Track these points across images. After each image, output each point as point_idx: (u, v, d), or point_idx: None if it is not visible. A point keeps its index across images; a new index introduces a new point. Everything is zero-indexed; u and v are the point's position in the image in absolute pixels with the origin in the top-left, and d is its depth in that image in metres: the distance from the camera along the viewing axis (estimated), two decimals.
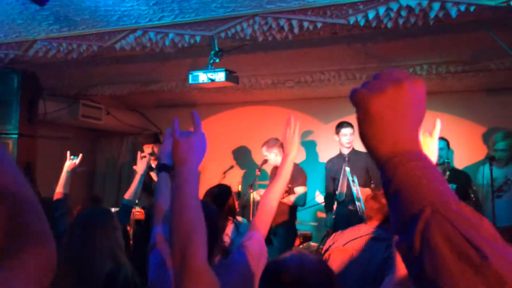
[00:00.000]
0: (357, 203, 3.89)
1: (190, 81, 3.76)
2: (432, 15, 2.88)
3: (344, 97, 5.70)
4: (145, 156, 3.30)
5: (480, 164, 4.52)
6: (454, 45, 3.99)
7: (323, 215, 5.65)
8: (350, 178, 4.08)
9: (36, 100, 4.72)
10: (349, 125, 4.53)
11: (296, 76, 4.97)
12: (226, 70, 3.63)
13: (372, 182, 4.43)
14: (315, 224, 5.47)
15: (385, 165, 0.64)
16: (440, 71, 4.40)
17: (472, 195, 3.94)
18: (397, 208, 0.62)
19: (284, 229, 4.48)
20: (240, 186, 5.30)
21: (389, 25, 3.05)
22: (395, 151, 0.63)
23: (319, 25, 3.18)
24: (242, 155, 6.36)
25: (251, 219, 4.71)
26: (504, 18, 3.08)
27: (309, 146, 6.17)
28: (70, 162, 3.22)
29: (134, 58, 4.44)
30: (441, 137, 4.35)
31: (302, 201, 4.61)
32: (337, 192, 4.41)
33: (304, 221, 5.21)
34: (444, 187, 0.61)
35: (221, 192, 2.92)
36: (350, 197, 4.18)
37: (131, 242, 3.20)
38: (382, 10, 2.93)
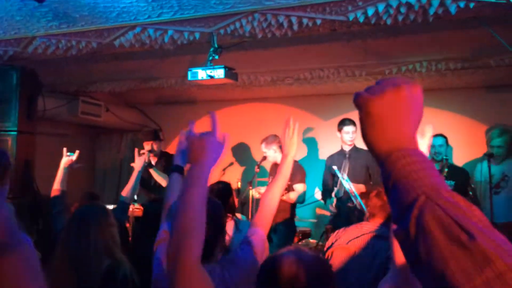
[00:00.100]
0: (354, 200, 3.91)
1: (189, 78, 3.76)
2: (431, 11, 2.88)
3: (343, 94, 5.75)
4: (143, 153, 3.30)
5: (478, 162, 4.52)
6: (454, 42, 3.99)
7: (322, 212, 5.65)
8: (340, 176, 4.10)
9: (35, 97, 4.71)
10: (352, 122, 4.48)
11: (296, 73, 4.96)
12: (225, 67, 3.63)
13: (370, 179, 4.44)
14: (314, 221, 5.48)
15: (385, 161, 0.70)
16: (439, 68, 4.39)
17: (470, 193, 3.95)
18: (395, 200, 0.67)
19: (284, 226, 4.49)
20: (239, 183, 5.30)
21: (389, 21, 3.05)
22: (394, 148, 0.69)
23: (318, 21, 3.18)
24: (241, 152, 6.36)
25: (250, 216, 4.73)
26: (503, 15, 3.08)
27: (309, 143, 6.17)
28: (67, 158, 3.21)
29: (133, 55, 4.43)
30: (440, 134, 4.35)
31: (301, 198, 4.62)
32: (336, 189, 4.42)
33: (303, 218, 5.21)
34: (438, 179, 0.66)
35: (222, 189, 2.92)
36: (349, 194, 4.19)
37: (130, 238, 3.20)
38: (381, 6, 2.93)
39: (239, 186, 5.30)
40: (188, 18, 3.34)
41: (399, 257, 1.20)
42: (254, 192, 4.66)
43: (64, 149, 3.28)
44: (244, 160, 6.29)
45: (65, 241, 2.04)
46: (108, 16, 3.43)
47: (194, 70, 3.73)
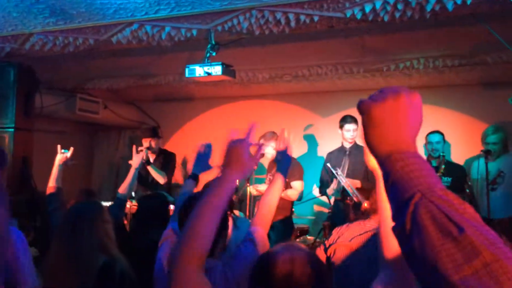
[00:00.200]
0: (352, 195, 3.93)
1: (187, 74, 3.75)
2: (428, 8, 2.88)
3: (341, 91, 5.75)
4: (141, 150, 3.30)
5: (475, 159, 4.53)
6: (451, 39, 3.99)
7: (320, 208, 5.66)
8: (334, 172, 4.11)
9: (32, 94, 4.71)
10: (353, 120, 4.41)
11: (294, 70, 4.96)
12: (222, 64, 3.62)
13: (368, 176, 4.43)
14: (312, 218, 5.49)
15: (385, 162, 0.75)
16: (437, 65, 4.39)
17: (467, 190, 3.96)
18: (393, 198, 0.72)
19: (281, 223, 4.49)
20: (237, 180, 5.30)
21: (386, 18, 3.05)
22: (394, 150, 0.75)
23: (316, 18, 3.18)
24: None
25: (247, 213, 4.73)
26: (500, 12, 3.08)
27: (307, 140, 6.17)
28: (61, 155, 3.22)
29: (131, 51, 4.43)
30: (437, 131, 4.35)
31: (299, 195, 4.62)
32: (332, 186, 4.41)
33: (301, 215, 5.21)
34: (433, 179, 0.71)
35: None
36: (346, 192, 4.19)
37: (127, 235, 3.20)
38: (378, 3, 2.93)
39: (237, 183, 5.29)
40: (185, 14, 3.34)
41: (389, 254, 1.20)
42: (251, 189, 4.66)
43: (59, 146, 3.28)
44: None
45: (60, 238, 2.04)
46: (105, 12, 3.42)
47: (192, 67, 3.72)
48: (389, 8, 2.94)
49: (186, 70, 3.75)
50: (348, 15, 3.09)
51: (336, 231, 2.72)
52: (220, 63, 3.62)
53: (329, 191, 4.44)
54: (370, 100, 0.80)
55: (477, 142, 4.71)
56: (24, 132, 4.55)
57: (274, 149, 4.58)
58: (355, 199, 3.92)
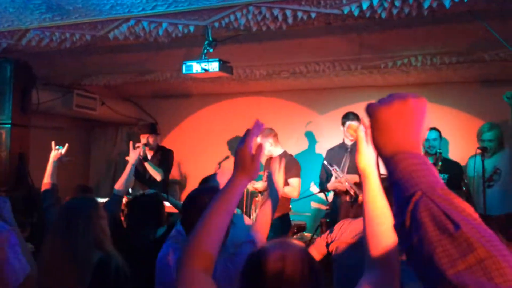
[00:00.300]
0: (350, 190, 3.93)
1: (184, 71, 3.74)
2: (426, 5, 2.87)
3: (339, 88, 5.74)
4: (138, 146, 3.30)
5: (472, 157, 4.54)
6: (449, 36, 3.98)
7: (318, 205, 5.67)
8: (330, 168, 4.11)
9: (29, 90, 4.68)
10: (356, 117, 4.35)
11: (291, 66, 4.95)
12: (219, 60, 3.61)
13: None
14: (310, 214, 5.49)
15: (390, 161, 0.79)
16: (435, 62, 4.39)
17: (464, 188, 3.97)
18: (396, 195, 0.76)
19: (278, 220, 4.49)
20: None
21: (383, 15, 3.04)
22: (399, 151, 0.78)
23: (313, 15, 3.17)
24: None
25: (244, 209, 4.74)
26: (498, 9, 3.08)
27: (305, 137, 6.17)
28: (56, 152, 3.22)
29: (128, 47, 4.41)
30: (434, 128, 4.35)
31: (296, 192, 4.62)
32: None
33: (299, 212, 5.22)
34: (435, 179, 0.74)
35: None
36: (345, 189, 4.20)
37: (124, 231, 3.20)
38: (376, 0, 2.92)
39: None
40: (183, 10, 3.33)
41: (375, 254, 1.19)
42: (248, 186, 4.66)
43: (53, 143, 3.28)
44: None
45: (55, 234, 2.04)
46: (101, 8, 3.41)
47: (189, 63, 3.71)
48: (386, 4, 2.93)
49: (183, 66, 3.74)
50: (345, 12, 3.08)
51: (338, 227, 2.69)
52: (217, 59, 3.61)
53: (330, 186, 4.44)
54: (378, 103, 0.84)
55: (474, 139, 4.72)
56: (20, 128, 4.53)
57: (269, 148, 4.58)
58: (351, 192, 3.93)
